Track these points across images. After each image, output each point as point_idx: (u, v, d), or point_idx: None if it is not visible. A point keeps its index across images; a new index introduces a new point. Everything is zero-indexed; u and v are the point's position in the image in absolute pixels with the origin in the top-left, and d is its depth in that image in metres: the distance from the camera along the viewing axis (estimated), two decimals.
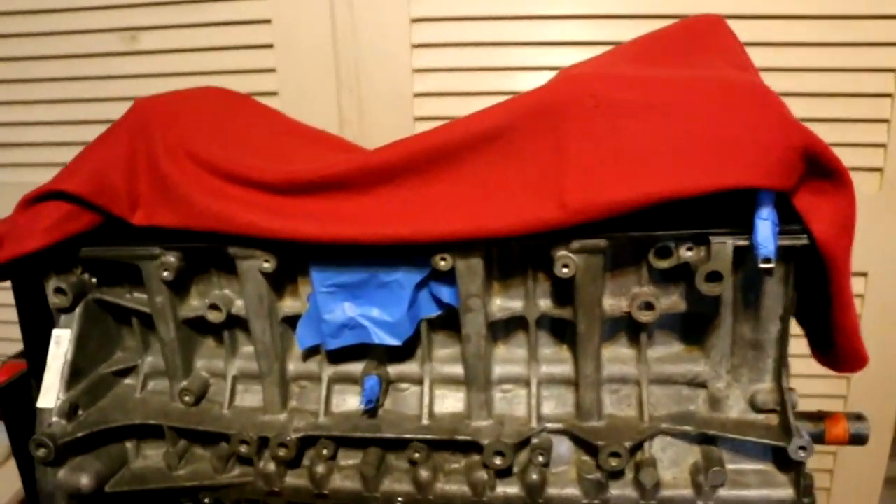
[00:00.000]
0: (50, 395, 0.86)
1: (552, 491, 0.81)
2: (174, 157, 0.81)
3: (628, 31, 0.92)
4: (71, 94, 1.40)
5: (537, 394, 0.82)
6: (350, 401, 0.87)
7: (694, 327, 0.80)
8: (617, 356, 0.82)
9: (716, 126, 0.68)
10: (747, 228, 0.69)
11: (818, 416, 0.83)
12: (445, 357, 0.85)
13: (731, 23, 0.85)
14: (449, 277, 0.78)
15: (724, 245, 0.70)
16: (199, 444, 0.92)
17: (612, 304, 0.78)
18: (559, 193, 0.70)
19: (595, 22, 1.22)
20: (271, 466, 0.86)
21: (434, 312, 0.82)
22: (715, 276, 0.70)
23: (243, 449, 0.85)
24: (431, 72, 1.27)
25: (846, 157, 0.67)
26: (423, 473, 0.83)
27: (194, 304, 0.89)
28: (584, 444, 0.81)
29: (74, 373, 0.87)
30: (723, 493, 0.79)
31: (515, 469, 0.82)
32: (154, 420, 0.88)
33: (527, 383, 0.83)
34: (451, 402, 0.85)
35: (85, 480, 0.86)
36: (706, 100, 0.69)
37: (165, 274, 0.83)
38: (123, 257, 0.85)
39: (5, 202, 0.86)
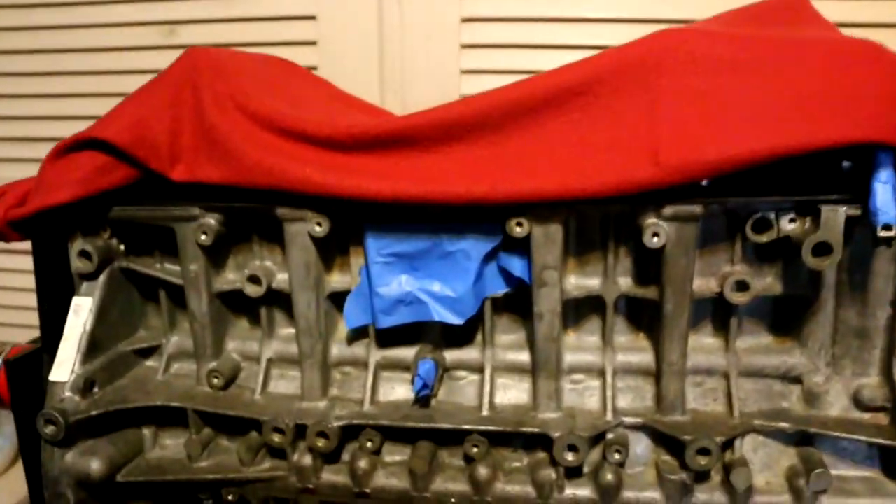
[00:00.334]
0: (64, 367, 0.77)
1: (629, 494, 0.71)
2: (223, 108, 0.74)
3: None
4: (106, 89, 1.34)
5: (612, 384, 0.73)
6: (399, 390, 0.78)
7: (788, 315, 0.72)
8: (701, 346, 0.74)
9: (830, 81, 0.62)
10: (856, 197, 0.63)
11: None
12: (509, 343, 0.77)
13: None
14: (522, 247, 0.70)
15: (836, 213, 0.63)
16: (226, 435, 0.82)
17: (701, 284, 0.71)
18: (653, 151, 0.63)
19: (648, 27, 1.18)
20: (307, 460, 0.77)
21: (502, 290, 0.74)
22: (824, 249, 0.63)
23: (276, 438, 0.76)
24: (480, 73, 1.22)
25: None
26: (482, 471, 0.73)
27: (230, 278, 0.81)
28: (665, 441, 0.72)
29: (92, 346, 0.78)
30: (826, 501, 0.69)
31: (586, 469, 0.73)
32: (178, 402, 0.79)
33: (600, 373, 0.74)
34: (514, 393, 0.76)
35: (95, 466, 0.76)
36: (817, 56, 0.64)
37: (203, 238, 0.76)
38: (158, 218, 0.77)
39: None
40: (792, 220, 0.66)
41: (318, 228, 0.72)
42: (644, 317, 0.74)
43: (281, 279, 0.78)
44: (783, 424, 0.70)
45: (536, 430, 0.71)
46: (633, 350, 0.74)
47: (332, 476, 0.77)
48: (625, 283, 0.73)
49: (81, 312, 0.79)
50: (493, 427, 0.72)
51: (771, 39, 0.67)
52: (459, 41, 1.22)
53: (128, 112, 0.76)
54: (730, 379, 0.72)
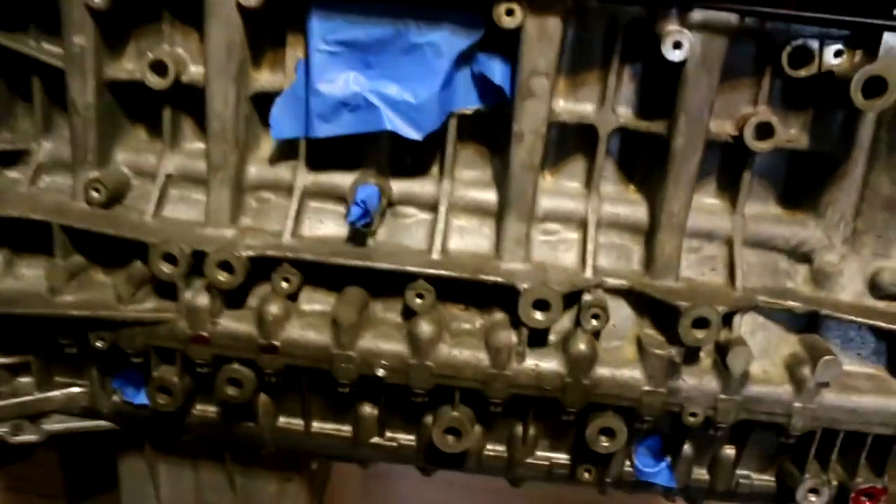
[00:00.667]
0: None
1: (603, 371, 0.59)
2: None
3: None
4: None
5: (595, 237, 0.60)
6: (329, 224, 0.63)
7: (805, 181, 0.61)
8: (701, 206, 0.61)
9: None
10: None
11: None
12: (472, 180, 0.63)
13: None
14: (508, 47, 0.56)
15: None
16: (101, 267, 0.65)
17: (715, 125, 0.58)
18: None
19: None
20: (202, 300, 0.61)
21: (473, 104, 0.60)
22: (878, 86, 0.51)
23: (166, 269, 0.59)
24: None
25: None
26: (425, 328, 0.58)
27: (128, 67, 0.63)
28: (651, 310, 0.60)
29: None
30: (829, 396, 0.58)
31: (553, 337, 0.59)
32: (41, 216, 0.61)
33: (581, 224, 0.61)
34: (473, 238, 0.62)
35: None
36: None
37: (98, 1, 0.58)
38: None
39: None
40: (838, 53, 0.55)
41: None
42: (639, 164, 0.61)
43: (195, 72, 0.62)
44: (792, 303, 0.59)
45: (500, 279, 0.58)
46: (622, 201, 0.62)
47: (233, 323, 0.61)
48: (624, 113, 0.59)
49: None
50: (445, 271, 0.58)
51: None
52: None
53: None
54: (733, 246, 0.60)
